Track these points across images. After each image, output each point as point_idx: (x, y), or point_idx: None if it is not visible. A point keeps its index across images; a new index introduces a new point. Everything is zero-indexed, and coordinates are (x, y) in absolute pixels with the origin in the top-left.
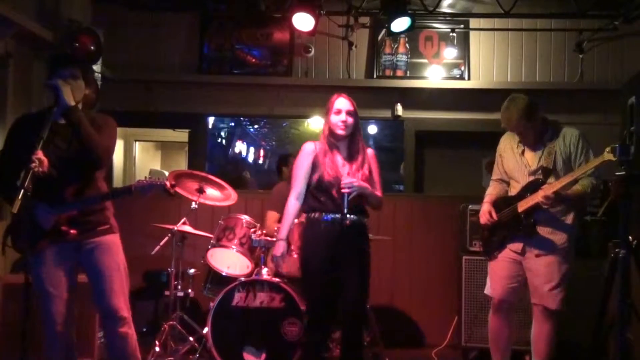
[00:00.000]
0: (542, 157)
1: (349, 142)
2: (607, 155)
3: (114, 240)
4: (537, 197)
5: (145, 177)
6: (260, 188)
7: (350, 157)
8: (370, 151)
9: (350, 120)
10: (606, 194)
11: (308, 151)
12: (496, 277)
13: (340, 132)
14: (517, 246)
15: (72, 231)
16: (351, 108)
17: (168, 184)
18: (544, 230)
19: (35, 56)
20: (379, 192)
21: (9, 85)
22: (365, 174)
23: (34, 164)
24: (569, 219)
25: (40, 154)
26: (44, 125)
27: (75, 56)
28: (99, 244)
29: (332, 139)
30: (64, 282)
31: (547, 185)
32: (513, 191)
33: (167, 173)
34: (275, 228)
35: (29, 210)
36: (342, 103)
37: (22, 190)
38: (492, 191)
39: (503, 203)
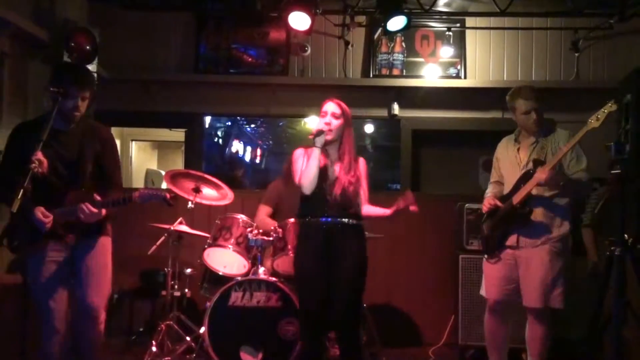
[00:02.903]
0: (533, 152)
1: (338, 145)
2: (591, 124)
3: (105, 243)
4: (534, 182)
5: (152, 183)
6: (257, 187)
7: (339, 159)
8: (360, 160)
9: (335, 122)
10: (602, 193)
11: (300, 154)
12: (491, 279)
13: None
14: (512, 239)
15: (69, 235)
16: (337, 111)
17: (168, 195)
18: (538, 215)
19: (30, 56)
20: (365, 201)
21: (4, 84)
22: (353, 178)
23: (33, 165)
24: (565, 202)
25: (39, 155)
26: (44, 128)
27: (80, 65)
28: (92, 244)
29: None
30: (60, 281)
31: (540, 168)
32: (507, 189)
33: (163, 173)
34: (272, 228)
35: (27, 212)
36: (328, 106)
37: (22, 190)
38: (491, 190)
39: (500, 200)
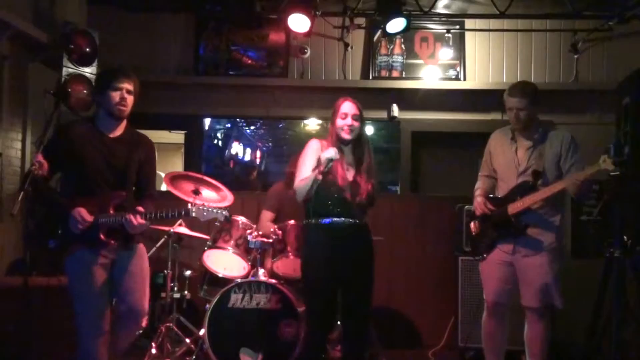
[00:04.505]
0: (531, 158)
1: (353, 147)
2: (603, 164)
3: (142, 249)
4: (529, 201)
5: (204, 204)
6: (256, 189)
7: (355, 163)
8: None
9: (356, 124)
10: (601, 194)
11: (316, 147)
12: (489, 280)
13: (345, 136)
14: (508, 247)
15: (111, 242)
16: (357, 112)
17: (228, 213)
18: (533, 231)
19: (30, 58)
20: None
21: (4, 86)
22: (370, 184)
23: (34, 167)
24: (557, 220)
25: (40, 157)
26: (44, 130)
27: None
28: (135, 250)
29: (339, 144)
30: (101, 280)
31: (539, 191)
32: (500, 191)
33: (162, 174)
34: (272, 229)
35: (65, 212)
36: (348, 107)
37: (22, 193)
38: (481, 185)
39: (492, 203)
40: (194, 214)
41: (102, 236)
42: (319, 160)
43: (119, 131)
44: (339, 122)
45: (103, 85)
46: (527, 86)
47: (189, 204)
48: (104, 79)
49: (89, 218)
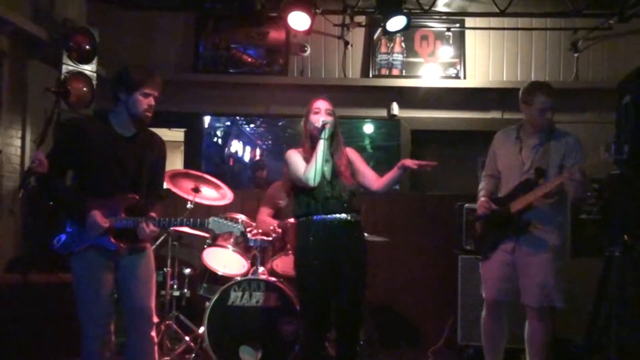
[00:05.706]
0: (536, 157)
1: (330, 145)
2: (603, 155)
3: (150, 250)
4: (536, 194)
5: (226, 217)
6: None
7: (333, 156)
8: (349, 149)
9: (329, 118)
10: (601, 193)
11: (294, 152)
12: (489, 279)
13: (318, 126)
14: (509, 246)
15: (121, 245)
16: (330, 107)
17: (244, 228)
18: (536, 229)
19: (30, 55)
20: (376, 179)
21: (3, 84)
22: (349, 174)
23: (34, 164)
24: (561, 217)
25: (40, 155)
26: (45, 127)
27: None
28: (142, 252)
29: (312, 143)
30: (106, 282)
31: (540, 186)
32: (503, 191)
33: None
34: (271, 228)
35: (79, 213)
36: (321, 104)
37: (22, 190)
38: (485, 186)
39: (495, 203)
40: (210, 226)
41: (112, 239)
42: (318, 130)
43: (133, 130)
44: (312, 117)
45: (132, 86)
46: (550, 84)
47: (211, 217)
48: (135, 81)
49: (105, 223)
